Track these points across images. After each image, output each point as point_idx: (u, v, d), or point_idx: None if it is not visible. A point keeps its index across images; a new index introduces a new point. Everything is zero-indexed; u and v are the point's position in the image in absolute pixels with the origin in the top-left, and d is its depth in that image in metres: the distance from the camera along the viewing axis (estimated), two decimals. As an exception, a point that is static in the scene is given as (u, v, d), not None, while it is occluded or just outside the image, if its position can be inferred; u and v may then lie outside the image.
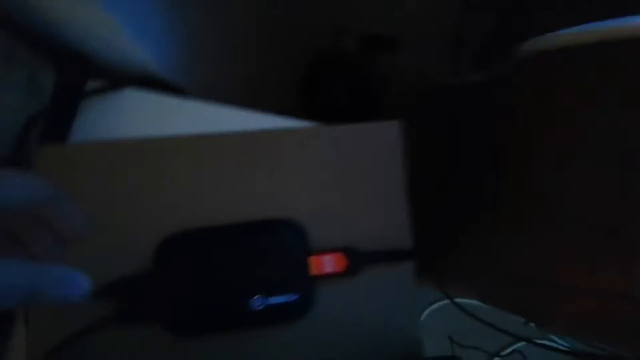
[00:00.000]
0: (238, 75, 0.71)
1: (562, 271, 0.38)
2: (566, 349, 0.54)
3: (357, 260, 0.37)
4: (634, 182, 0.33)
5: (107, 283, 0.36)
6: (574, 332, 0.48)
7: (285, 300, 0.35)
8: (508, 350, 0.85)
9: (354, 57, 0.97)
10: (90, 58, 0.45)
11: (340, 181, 0.39)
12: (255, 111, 0.45)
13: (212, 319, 0.36)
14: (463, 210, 0.48)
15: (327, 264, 0.36)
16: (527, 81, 0.40)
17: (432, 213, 0.47)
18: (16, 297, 0.23)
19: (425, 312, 0.84)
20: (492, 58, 0.64)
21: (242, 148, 0.39)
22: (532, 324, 0.53)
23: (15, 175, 0.25)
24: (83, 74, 0.45)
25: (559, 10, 0.59)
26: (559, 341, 0.79)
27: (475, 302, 0.52)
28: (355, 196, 0.39)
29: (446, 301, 0.68)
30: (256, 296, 0.35)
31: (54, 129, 0.42)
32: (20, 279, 0.23)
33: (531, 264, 0.42)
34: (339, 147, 0.39)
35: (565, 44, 0.36)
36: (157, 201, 0.39)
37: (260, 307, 0.35)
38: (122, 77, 0.46)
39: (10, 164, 0.38)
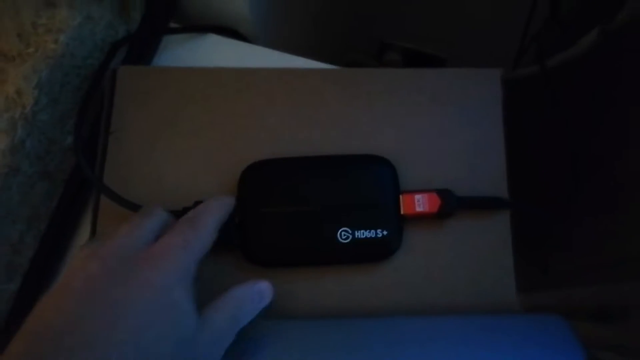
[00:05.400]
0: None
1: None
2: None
3: (451, 202, 0.34)
4: None
5: (184, 208, 0.35)
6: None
7: (374, 235, 0.33)
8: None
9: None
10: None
11: (435, 124, 0.37)
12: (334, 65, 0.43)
13: (295, 249, 0.33)
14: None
15: (419, 203, 0.34)
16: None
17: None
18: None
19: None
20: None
21: (334, 83, 0.38)
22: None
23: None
24: (169, 12, 0.44)
25: None
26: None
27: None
28: (450, 140, 0.36)
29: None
30: (343, 228, 0.33)
31: (136, 56, 0.41)
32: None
33: None
34: (437, 89, 0.37)
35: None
36: (242, 130, 0.37)
37: (347, 240, 0.33)
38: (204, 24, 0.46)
39: (96, 79, 0.37)
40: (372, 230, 0.33)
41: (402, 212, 0.34)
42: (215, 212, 0.31)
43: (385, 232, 0.33)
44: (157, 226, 0.29)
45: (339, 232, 0.33)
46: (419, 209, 0.34)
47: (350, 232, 0.33)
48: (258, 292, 0.30)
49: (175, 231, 0.28)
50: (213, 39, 0.45)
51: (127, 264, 0.26)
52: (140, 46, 0.41)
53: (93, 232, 0.35)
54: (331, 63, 0.42)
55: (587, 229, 0.50)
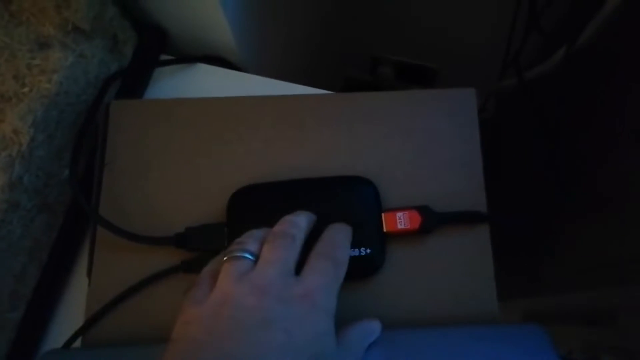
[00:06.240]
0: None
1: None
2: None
3: (432, 218, 0.35)
4: None
5: (176, 234, 0.36)
6: None
7: (358, 254, 0.34)
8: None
9: (390, 86, 0.98)
10: (168, 33, 0.47)
11: (414, 144, 0.38)
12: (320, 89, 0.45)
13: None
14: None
15: (400, 220, 0.35)
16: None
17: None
18: None
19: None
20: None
21: (316, 109, 0.39)
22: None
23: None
24: (160, 46, 0.46)
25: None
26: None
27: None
28: (429, 159, 0.38)
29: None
30: (328, 248, 0.34)
31: (129, 90, 0.43)
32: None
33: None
34: (414, 110, 0.39)
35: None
36: (230, 157, 0.39)
37: (332, 260, 0.34)
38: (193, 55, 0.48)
39: (90, 114, 0.39)
40: (356, 249, 0.34)
41: (384, 230, 0.35)
42: (347, 244, 0.32)
43: (369, 250, 0.34)
44: (299, 248, 0.30)
45: (324, 252, 0.34)
46: (400, 226, 0.35)
47: (335, 251, 0.34)
48: (374, 329, 0.31)
49: (319, 271, 0.29)
50: (203, 69, 0.47)
51: (285, 305, 0.27)
52: (133, 80, 0.43)
53: (90, 262, 0.37)
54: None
55: (575, 236, 0.52)
